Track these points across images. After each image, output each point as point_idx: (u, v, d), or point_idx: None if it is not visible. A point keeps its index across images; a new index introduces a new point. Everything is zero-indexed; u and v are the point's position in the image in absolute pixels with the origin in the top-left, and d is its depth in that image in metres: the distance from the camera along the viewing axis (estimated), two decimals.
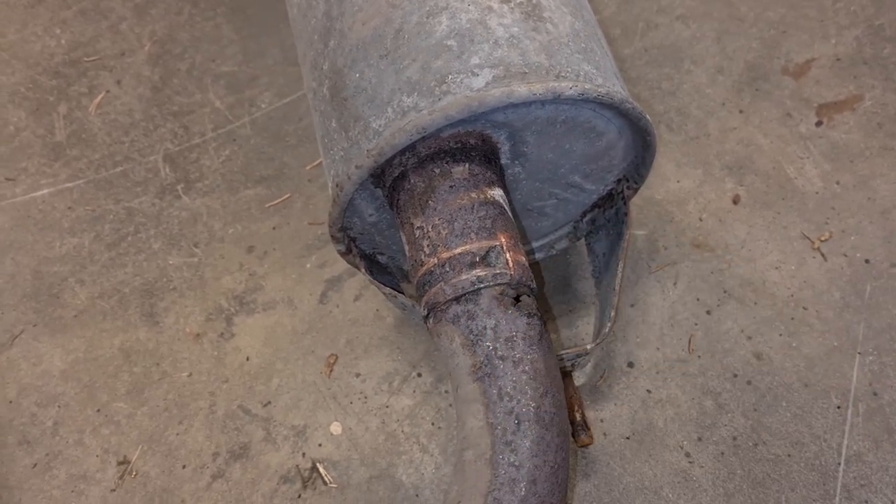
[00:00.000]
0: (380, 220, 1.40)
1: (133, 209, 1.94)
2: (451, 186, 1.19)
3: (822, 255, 1.69)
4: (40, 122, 2.13)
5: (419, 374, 1.63)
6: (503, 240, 1.17)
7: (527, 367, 1.08)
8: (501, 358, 1.09)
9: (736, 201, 1.78)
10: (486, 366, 1.09)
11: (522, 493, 1.02)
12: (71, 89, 2.19)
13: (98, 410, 1.66)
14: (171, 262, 1.85)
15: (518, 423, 1.05)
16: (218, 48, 2.24)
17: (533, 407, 1.06)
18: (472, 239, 1.16)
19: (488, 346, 1.10)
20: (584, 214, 1.60)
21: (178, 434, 1.61)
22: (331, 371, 1.66)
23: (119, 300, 1.80)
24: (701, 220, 1.77)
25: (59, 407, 1.67)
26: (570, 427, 1.15)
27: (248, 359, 1.69)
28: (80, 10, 2.37)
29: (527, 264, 1.20)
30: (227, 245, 1.86)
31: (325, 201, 1.88)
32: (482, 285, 1.12)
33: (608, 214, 1.56)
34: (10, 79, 2.22)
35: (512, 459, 1.03)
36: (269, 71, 2.17)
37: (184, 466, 1.57)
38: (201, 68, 2.20)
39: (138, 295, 1.81)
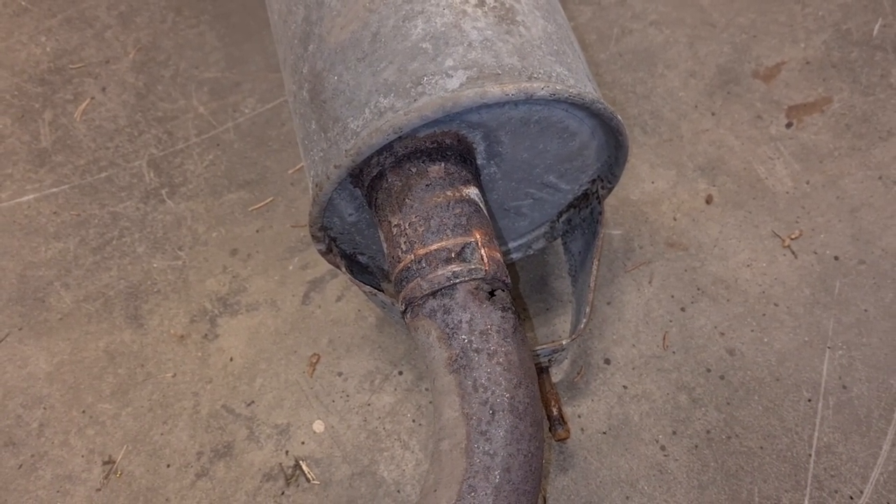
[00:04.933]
0: (359, 219, 1.43)
1: (118, 214, 1.96)
2: (427, 185, 1.22)
3: (793, 252, 1.73)
4: (26, 128, 2.15)
5: (400, 373, 1.66)
6: (478, 236, 1.20)
7: (501, 359, 1.11)
8: (476, 350, 1.12)
9: (709, 201, 1.82)
10: (461, 358, 1.12)
11: (497, 481, 1.04)
12: (56, 96, 2.21)
13: (83, 411, 1.67)
14: (155, 266, 1.87)
15: (492, 413, 1.08)
16: (202, 55, 2.27)
17: (507, 397, 1.09)
18: (447, 235, 1.18)
19: (464, 339, 1.13)
20: (560, 214, 1.63)
21: (162, 434, 1.63)
22: (313, 370, 1.68)
23: (104, 303, 1.82)
24: (675, 219, 1.81)
25: (44, 408, 1.68)
26: (543, 417, 1.18)
27: (231, 359, 1.71)
28: (65, 19, 2.39)
29: (501, 260, 1.23)
30: (211, 248, 1.89)
31: (307, 204, 1.91)
32: (458, 280, 1.15)
33: (583, 214, 1.59)
34: None
35: (486, 448, 1.06)
36: (252, 77, 2.20)
37: (168, 466, 1.59)
38: (185, 75, 2.22)
39: (123, 298, 1.83)
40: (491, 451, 1.06)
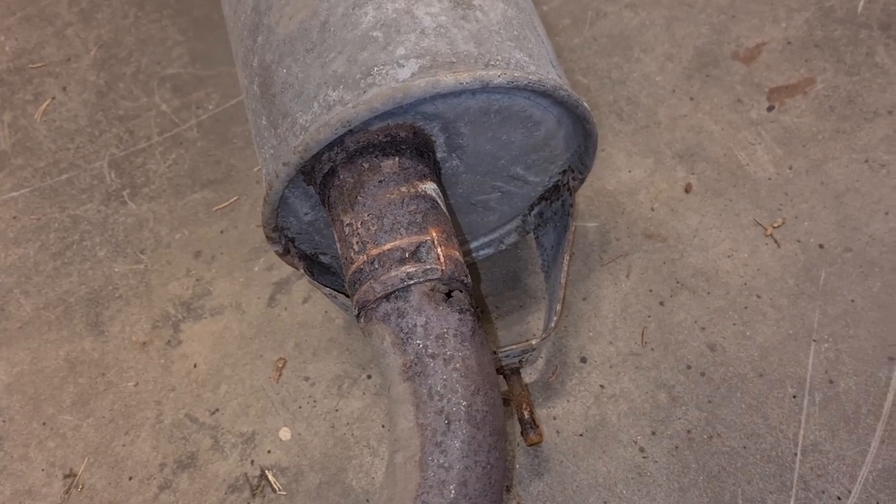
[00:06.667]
0: (316, 218, 1.37)
1: (78, 217, 1.90)
2: (380, 181, 1.16)
3: (776, 241, 1.66)
4: None
5: (369, 376, 1.60)
6: (434, 234, 1.14)
7: (458, 365, 1.05)
8: (432, 356, 1.06)
9: (688, 190, 1.76)
10: (416, 365, 1.06)
11: (452, 496, 0.98)
12: (16, 97, 2.15)
13: (43, 423, 1.62)
14: (116, 270, 1.81)
15: (448, 422, 1.01)
16: (164, 50, 2.20)
17: (464, 406, 1.03)
18: (401, 234, 1.13)
19: (419, 345, 1.07)
20: (531, 207, 1.57)
21: (124, 445, 1.57)
22: (279, 375, 1.62)
23: (64, 310, 1.76)
24: (653, 209, 1.74)
25: (3, 421, 1.63)
26: (505, 425, 1.11)
27: (195, 366, 1.65)
28: (24, 17, 2.32)
29: (460, 258, 1.17)
30: (174, 250, 1.82)
31: None
32: (412, 282, 1.09)
33: (555, 207, 1.53)
34: None
35: (441, 461, 1.00)
36: (215, 73, 2.13)
37: (130, 478, 1.53)
38: (147, 72, 2.16)
39: (84, 304, 1.77)
40: (446, 464, 1.00)
